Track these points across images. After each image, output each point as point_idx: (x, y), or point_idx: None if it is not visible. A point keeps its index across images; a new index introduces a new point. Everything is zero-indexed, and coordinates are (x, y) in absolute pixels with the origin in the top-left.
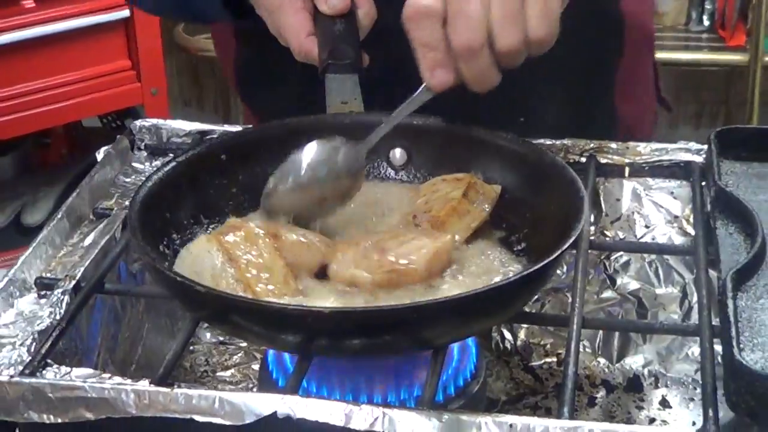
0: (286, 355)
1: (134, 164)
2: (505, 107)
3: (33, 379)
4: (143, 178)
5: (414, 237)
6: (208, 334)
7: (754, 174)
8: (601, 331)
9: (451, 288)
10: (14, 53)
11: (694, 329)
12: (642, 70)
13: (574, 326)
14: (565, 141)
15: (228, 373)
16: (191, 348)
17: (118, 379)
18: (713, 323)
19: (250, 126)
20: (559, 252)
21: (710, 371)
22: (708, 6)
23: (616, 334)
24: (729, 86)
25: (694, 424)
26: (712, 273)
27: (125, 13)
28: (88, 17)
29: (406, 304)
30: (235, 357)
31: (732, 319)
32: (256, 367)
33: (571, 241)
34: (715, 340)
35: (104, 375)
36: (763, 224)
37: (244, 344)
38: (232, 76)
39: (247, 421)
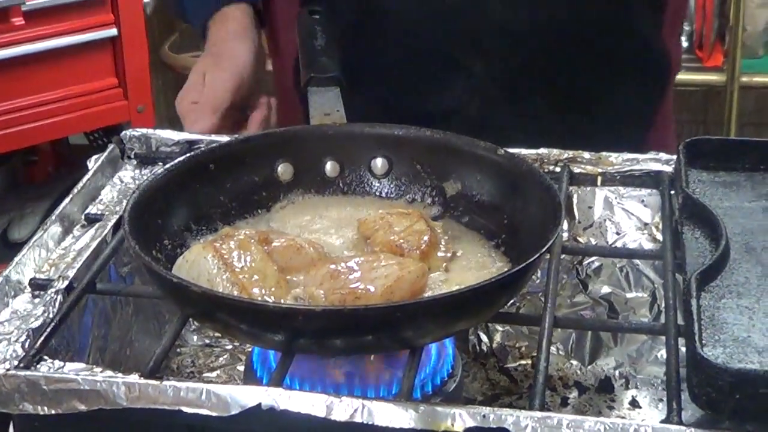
0: (271, 355)
1: (124, 172)
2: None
3: (28, 372)
4: (133, 186)
5: (386, 263)
6: (195, 337)
7: (721, 183)
8: (573, 334)
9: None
10: (3, 70)
11: (661, 328)
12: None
13: (546, 324)
14: (540, 151)
15: (214, 374)
16: (178, 350)
17: (109, 372)
18: (679, 323)
19: (236, 136)
20: (537, 255)
21: (675, 366)
22: (686, 27)
23: (588, 337)
24: (707, 106)
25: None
26: (679, 276)
27: (113, 31)
28: (76, 35)
29: (389, 303)
30: (221, 359)
31: (695, 317)
32: (240, 368)
33: (549, 244)
34: (680, 339)
35: (96, 369)
36: (727, 230)
37: (230, 346)
38: (291, 76)
39: (233, 413)
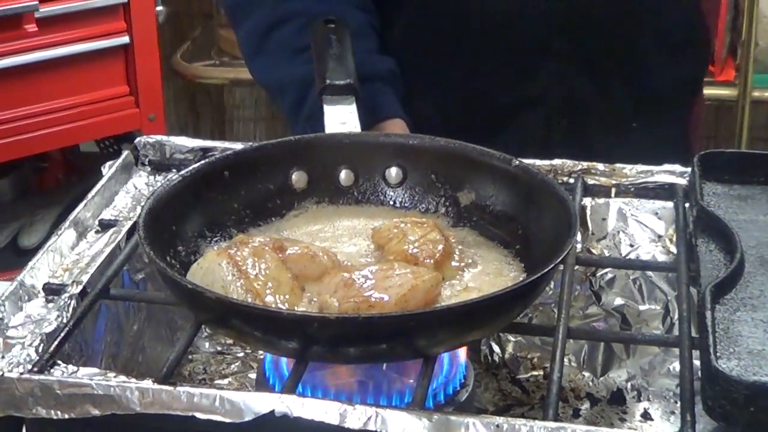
0: (283, 362)
1: (138, 179)
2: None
3: (42, 376)
4: (146, 193)
5: (401, 272)
6: (207, 344)
7: (735, 195)
8: (586, 346)
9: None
10: (15, 77)
11: (675, 340)
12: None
13: (560, 335)
14: (554, 162)
15: (225, 381)
16: (190, 357)
17: (122, 377)
18: (693, 335)
19: (251, 143)
20: (551, 266)
21: (689, 379)
22: None
23: (601, 348)
24: (718, 121)
25: None
26: (693, 289)
27: (125, 39)
28: (88, 43)
29: (403, 312)
30: (233, 366)
31: (710, 329)
32: (252, 375)
33: (564, 254)
34: (694, 352)
35: (110, 374)
36: (741, 243)
37: (241, 354)
38: None
39: (246, 419)
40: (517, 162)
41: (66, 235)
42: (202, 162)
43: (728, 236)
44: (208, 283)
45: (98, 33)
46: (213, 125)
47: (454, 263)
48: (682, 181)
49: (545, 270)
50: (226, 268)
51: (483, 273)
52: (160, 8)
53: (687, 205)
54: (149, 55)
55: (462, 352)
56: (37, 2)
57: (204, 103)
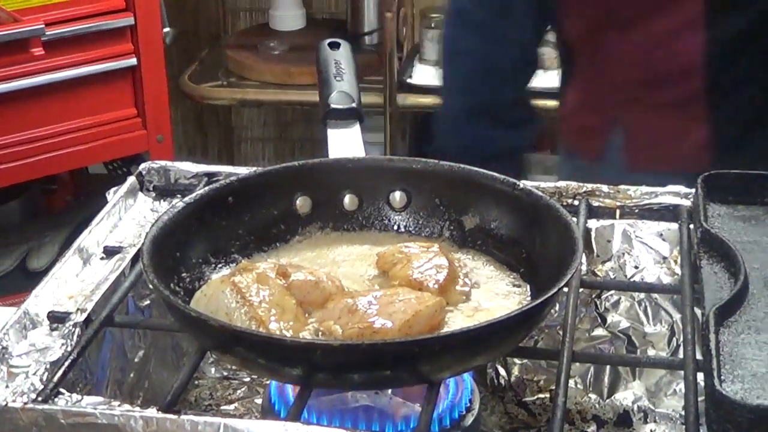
0: (289, 389)
1: (143, 205)
2: None
3: (45, 406)
4: (151, 218)
5: (405, 298)
6: (213, 369)
7: (739, 216)
8: (592, 368)
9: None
10: (23, 99)
11: (679, 363)
12: None
13: (564, 359)
14: (558, 184)
15: (231, 407)
16: (196, 382)
17: (126, 406)
18: (697, 357)
19: (255, 169)
20: (556, 289)
21: (693, 402)
22: None
23: (607, 370)
24: None
25: None
26: (698, 311)
27: (132, 61)
28: (96, 65)
29: (407, 338)
30: (239, 391)
31: (714, 352)
32: (258, 401)
33: (568, 278)
34: (699, 374)
35: (114, 402)
36: (746, 264)
37: (247, 379)
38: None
39: None
40: (521, 185)
41: (70, 263)
42: (207, 188)
43: (732, 258)
44: (212, 310)
45: (105, 55)
46: (221, 146)
47: (459, 287)
48: (687, 203)
49: (549, 294)
50: (230, 295)
51: (489, 297)
52: (167, 29)
53: (691, 226)
54: (157, 77)
55: (467, 376)
56: (44, 26)
57: (212, 124)
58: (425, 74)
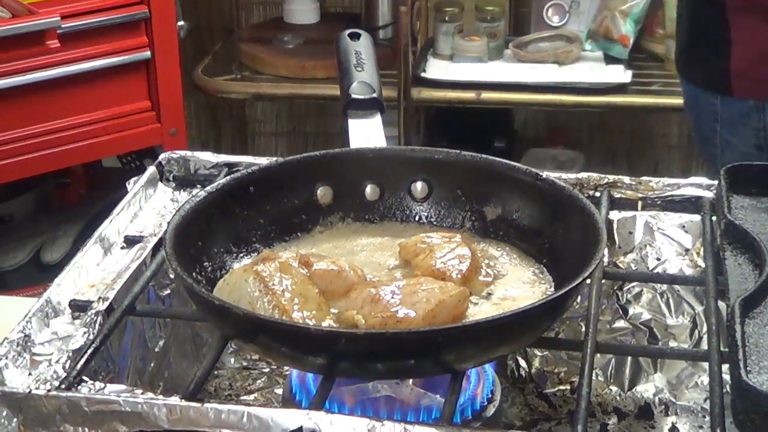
0: (310, 378)
1: (162, 194)
2: None
3: (69, 393)
4: (171, 208)
5: (428, 287)
6: (232, 359)
7: (763, 208)
8: (613, 360)
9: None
10: (38, 92)
11: (704, 354)
12: None
13: (588, 349)
14: (580, 175)
15: (251, 397)
16: (215, 373)
17: (150, 394)
18: (721, 349)
19: (276, 159)
20: (579, 280)
21: (718, 393)
22: None
23: (628, 362)
24: None
25: None
26: (722, 303)
27: (147, 54)
28: (110, 58)
29: (431, 327)
30: (259, 381)
31: (740, 343)
32: (278, 391)
33: (592, 269)
34: (723, 366)
35: (137, 390)
36: None
37: (267, 369)
38: None
39: None
40: (544, 176)
41: (91, 252)
42: (228, 178)
43: (756, 249)
44: (235, 299)
45: (120, 48)
46: (234, 140)
47: (481, 277)
48: (709, 194)
49: (572, 285)
50: (253, 284)
51: (512, 287)
52: (181, 23)
53: (714, 218)
54: (171, 70)
55: (489, 368)
56: (59, 18)
57: (225, 118)
58: (439, 68)
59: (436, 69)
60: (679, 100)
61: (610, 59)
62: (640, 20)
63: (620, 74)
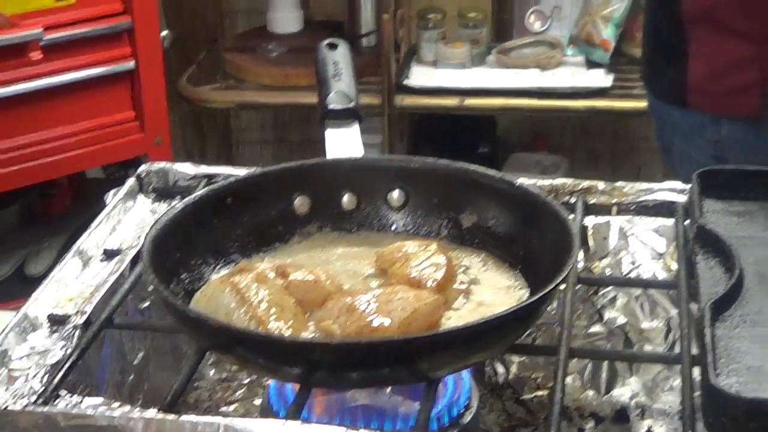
0: (288, 389)
1: (142, 206)
2: None
3: (45, 408)
4: (151, 220)
5: (403, 296)
6: (212, 371)
7: (734, 212)
8: (589, 364)
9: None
10: (21, 104)
11: (675, 358)
12: None
13: (562, 354)
14: (555, 181)
15: (231, 408)
16: (195, 384)
17: (127, 407)
18: (693, 352)
19: (253, 170)
20: (552, 286)
21: (689, 395)
22: None
23: (605, 367)
24: None
25: None
26: (694, 306)
27: (131, 64)
28: (94, 68)
29: (405, 336)
30: (238, 393)
31: (709, 346)
32: (257, 402)
33: (564, 275)
34: (695, 369)
35: (114, 404)
36: (741, 259)
37: (247, 380)
38: None
39: None
40: (518, 183)
41: (70, 265)
42: (206, 189)
43: (727, 253)
44: (212, 310)
45: (104, 59)
46: (219, 149)
47: (457, 285)
48: (682, 199)
49: (544, 291)
50: (229, 295)
51: (487, 294)
52: (165, 33)
53: (687, 222)
54: (155, 80)
55: (466, 374)
56: (42, 30)
57: (210, 127)
58: (422, 75)
59: (419, 76)
60: None
61: (591, 64)
62: (621, 25)
63: (602, 78)
